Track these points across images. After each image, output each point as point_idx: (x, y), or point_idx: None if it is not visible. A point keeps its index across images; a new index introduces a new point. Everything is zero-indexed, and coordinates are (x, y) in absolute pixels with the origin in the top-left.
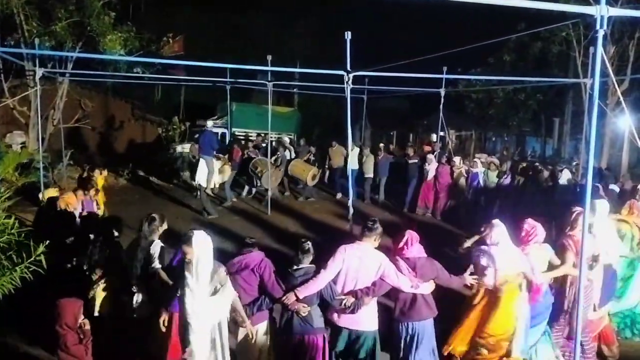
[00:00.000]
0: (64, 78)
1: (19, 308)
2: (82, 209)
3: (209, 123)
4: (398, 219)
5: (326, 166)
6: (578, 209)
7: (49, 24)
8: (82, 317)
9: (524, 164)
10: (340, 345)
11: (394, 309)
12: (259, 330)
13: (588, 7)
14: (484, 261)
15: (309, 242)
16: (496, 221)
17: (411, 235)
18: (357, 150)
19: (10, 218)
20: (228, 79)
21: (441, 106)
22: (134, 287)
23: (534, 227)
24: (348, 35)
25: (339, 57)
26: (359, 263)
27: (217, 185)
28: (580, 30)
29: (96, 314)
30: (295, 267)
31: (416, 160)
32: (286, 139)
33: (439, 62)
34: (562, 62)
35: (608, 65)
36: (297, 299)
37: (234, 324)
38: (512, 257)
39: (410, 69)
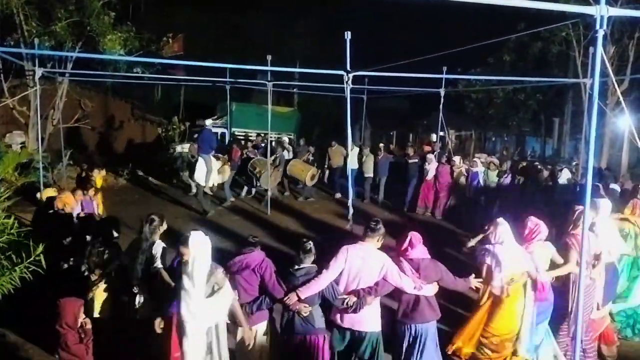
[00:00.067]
0: (63, 78)
1: (19, 308)
2: (82, 209)
3: (208, 122)
4: (398, 219)
5: (325, 166)
6: (581, 207)
7: (48, 24)
8: (83, 316)
9: (524, 164)
10: (342, 346)
11: (396, 311)
12: (258, 330)
13: (588, 7)
14: (489, 260)
15: (310, 242)
16: (500, 219)
17: (414, 236)
18: (356, 150)
19: (10, 218)
20: (228, 79)
21: (441, 106)
22: (135, 288)
23: (538, 225)
24: (348, 35)
25: (339, 57)
26: (362, 263)
27: (216, 185)
28: (580, 30)
29: (96, 315)
30: (296, 266)
31: (416, 160)
32: (285, 139)
33: (439, 62)
34: (562, 62)
35: (608, 65)
36: (299, 299)
37: (234, 324)
38: (516, 256)
39: (410, 69)
